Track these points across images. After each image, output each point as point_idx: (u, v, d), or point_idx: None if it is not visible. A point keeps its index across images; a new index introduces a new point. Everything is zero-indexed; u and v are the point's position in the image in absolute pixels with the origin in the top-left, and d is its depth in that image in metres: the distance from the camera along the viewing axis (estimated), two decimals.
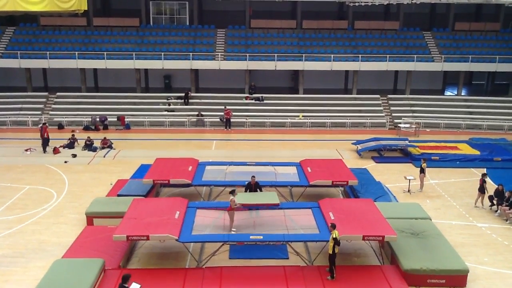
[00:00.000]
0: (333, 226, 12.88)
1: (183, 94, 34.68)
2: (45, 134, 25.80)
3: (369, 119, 33.42)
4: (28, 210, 18.03)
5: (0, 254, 14.60)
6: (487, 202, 18.78)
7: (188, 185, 18.76)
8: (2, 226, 16.59)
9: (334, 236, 12.64)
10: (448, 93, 40.03)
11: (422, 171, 20.36)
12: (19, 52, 34.06)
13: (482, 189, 18.80)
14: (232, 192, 14.90)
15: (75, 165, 23.79)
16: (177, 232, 13.49)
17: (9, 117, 32.18)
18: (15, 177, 21.83)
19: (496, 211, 18.22)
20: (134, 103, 34.59)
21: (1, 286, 12.91)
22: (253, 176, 17.29)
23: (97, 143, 26.91)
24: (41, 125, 26.39)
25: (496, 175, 19.80)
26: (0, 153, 25.73)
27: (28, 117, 32.23)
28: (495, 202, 18.41)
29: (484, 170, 21.99)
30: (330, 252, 12.73)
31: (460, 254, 13.91)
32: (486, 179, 19.04)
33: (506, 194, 18.14)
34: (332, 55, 34.81)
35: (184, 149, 26.86)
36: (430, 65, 35.26)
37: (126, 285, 10.47)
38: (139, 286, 10.68)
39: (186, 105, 34.35)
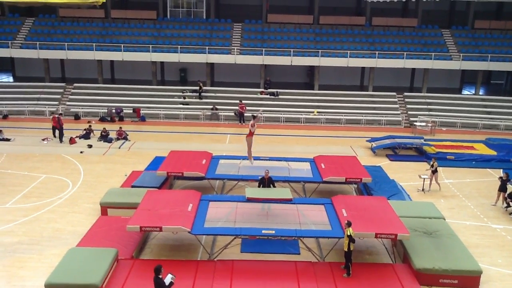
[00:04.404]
0: (348, 224, 12.80)
1: (197, 87, 34.81)
2: (61, 123, 26.16)
3: (385, 116, 33.15)
4: (44, 198, 18.31)
5: (16, 241, 14.87)
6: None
7: (201, 178, 18.84)
8: (18, 213, 16.89)
9: (348, 234, 12.60)
10: (465, 92, 39.50)
11: (435, 170, 20.11)
12: (38, 43, 34.49)
13: (503, 188, 18.55)
14: (254, 117, 16.39)
15: (91, 156, 24.07)
16: (190, 224, 13.60)
17: (27, 107, 32.63)
18: (32, 165, 22.17)
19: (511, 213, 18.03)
20: (150, 96, 34.79)
21: (17, 272, 13.17)
22: (267, 170, 17.27)
23: (112, 134, 27.18)
24: (57, 115, 26.69)
25: None
26: (18, 142, 26.14)
27: (45, 107, 32.65)
28: (511, 203, 18.18)
29: (501, 171, 21.71)
30: (346, 249, 12.71)
31: (473, 255, 13.77)
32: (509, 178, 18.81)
33: None
34: (348, 51, 34.57)
35: (198, 142, 26.99)
36: (448, 63, 34.78)
37: (161, 276, 10.42)
38: (173, 276, 10.56)
39: (199, 98, 34.43)
